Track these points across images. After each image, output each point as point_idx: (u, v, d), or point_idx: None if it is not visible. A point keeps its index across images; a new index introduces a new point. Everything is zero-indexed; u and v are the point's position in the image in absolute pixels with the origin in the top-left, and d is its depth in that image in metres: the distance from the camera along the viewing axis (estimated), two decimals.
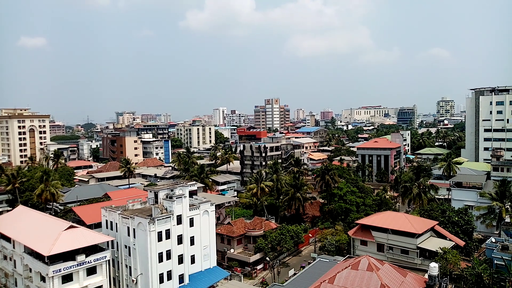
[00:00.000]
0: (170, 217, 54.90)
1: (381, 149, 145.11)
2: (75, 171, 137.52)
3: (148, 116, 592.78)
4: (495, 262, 55.77)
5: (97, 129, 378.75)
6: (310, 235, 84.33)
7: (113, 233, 57.73)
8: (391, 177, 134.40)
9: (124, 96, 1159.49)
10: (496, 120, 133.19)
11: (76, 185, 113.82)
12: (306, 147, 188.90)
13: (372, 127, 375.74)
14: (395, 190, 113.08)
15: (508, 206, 73.51)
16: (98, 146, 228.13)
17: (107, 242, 54.55)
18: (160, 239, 53.62)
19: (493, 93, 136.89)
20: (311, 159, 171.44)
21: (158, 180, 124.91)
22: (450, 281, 48.65)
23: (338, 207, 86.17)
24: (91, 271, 49.38)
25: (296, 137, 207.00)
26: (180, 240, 56.59)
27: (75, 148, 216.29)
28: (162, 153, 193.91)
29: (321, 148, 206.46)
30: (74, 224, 54.24)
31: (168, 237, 54.69)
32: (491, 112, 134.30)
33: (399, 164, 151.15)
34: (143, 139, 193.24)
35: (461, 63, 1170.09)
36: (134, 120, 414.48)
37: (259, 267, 71.17)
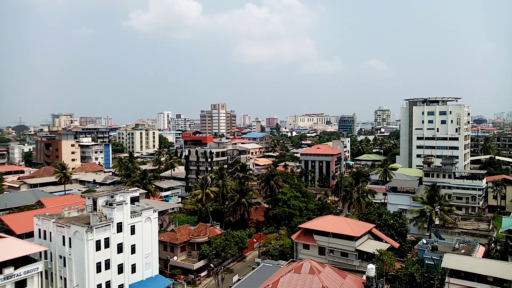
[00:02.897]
0: (109, 225, 52.67)
1: (323, 155, 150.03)
2: (4, 176, 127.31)
3: (87, 119, 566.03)
4: (426, 262, 59.72)
5: (30, 131, 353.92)
6: (254, 240, 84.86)
7: (47, 242, 54.28)
8: (332, 182, 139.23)
9: (61, 98, 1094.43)
10: (427, 129, 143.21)
11: (5, 192, 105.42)
12: (252, 153, 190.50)
13: (315, 134, 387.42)
14: (336, 194, 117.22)
15: (437, 210, 79.11)
16: (31, 150, 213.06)
17: (40, 252, 51.02)
18: (98, 248, 51.23)
19: (425, 103, 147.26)
20: (256, 164, 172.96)
21: (97, 186, 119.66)
22: (386, 281, 51.19)
23: (282, 211, 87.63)
24: (21, 284, 45.91)
25: (242, 143, 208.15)
26: (120, 248, 54.46)
27: (5, 152, 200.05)
28: (102, 158, 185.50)
29: (267, 153, 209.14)
30: (2, 234, 50.23)
31: (107, 246, 52.42)
32: (423, 122, 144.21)
33: (339, 170, 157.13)
34: (81, 143, 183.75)
35: (397, 75, 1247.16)
36: (71, 122, 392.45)
37: (203, 274, 70.24)
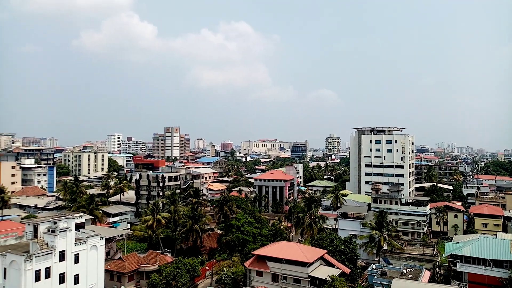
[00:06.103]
0: (51, 253, 49.23)
1: (277, 180, 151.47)
2: None
3: (30, 140, 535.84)
4: (375, 287, 61.02)
5: None
6: (207, 267, 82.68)
7: None
8: (285, 208, 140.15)
9: (2, 116, 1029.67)
10: (375, 157, 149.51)
11: None
12: (206, 178, 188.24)
13: (268, 159, 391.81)
14: (289, 220, 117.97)
15: (385, 235, 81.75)
16: None
17: None
18: (38, 278, 47.54)
19: (372, 132, 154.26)
20: (210, 189, 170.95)
21: (39, 211, 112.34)
22: None
23: (236, 238, 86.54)
24: None
25: (196, 167, 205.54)
26: (62, 279, 50.88)
27: None
28: (45, 181, 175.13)
29: (221, 178, 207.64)
30: None
31: (48, 276, 48.82)
32: (371, 150, 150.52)
33: (292, 195, 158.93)
34: (22, 165, 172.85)
35: (346, 104, 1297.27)
36: (13, 143, 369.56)
37: None
